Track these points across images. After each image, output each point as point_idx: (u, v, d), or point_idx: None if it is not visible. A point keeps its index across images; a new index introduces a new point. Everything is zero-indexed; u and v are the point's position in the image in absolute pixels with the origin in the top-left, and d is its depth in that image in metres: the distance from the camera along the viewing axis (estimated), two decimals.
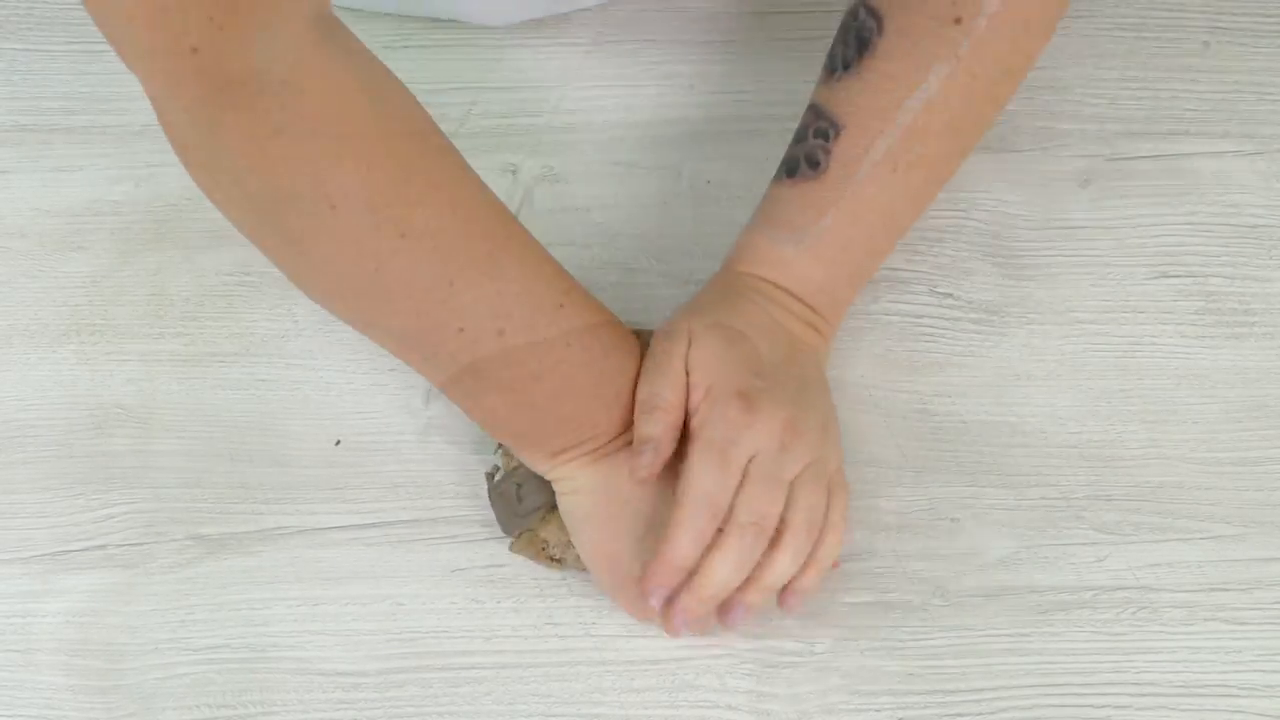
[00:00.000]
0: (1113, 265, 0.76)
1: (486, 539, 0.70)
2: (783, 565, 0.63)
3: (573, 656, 0.68)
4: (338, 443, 0.72)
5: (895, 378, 0.73)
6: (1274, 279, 0.76)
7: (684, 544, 0.62)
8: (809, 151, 0.67)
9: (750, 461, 0.63)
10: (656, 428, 0.64)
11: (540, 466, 0.67)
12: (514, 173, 0.79)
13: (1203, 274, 0.76)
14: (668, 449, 0.64)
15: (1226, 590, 0.68)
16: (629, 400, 0.66)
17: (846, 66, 0.67)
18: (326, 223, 0.58)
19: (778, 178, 0.69)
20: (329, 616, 0.68)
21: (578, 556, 0.67)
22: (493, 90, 0.81)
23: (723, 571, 0.62)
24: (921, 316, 0.75)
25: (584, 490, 0.66)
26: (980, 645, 0.67)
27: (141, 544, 0.70)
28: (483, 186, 0.64)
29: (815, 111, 0.68)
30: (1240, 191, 0.78)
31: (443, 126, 0.78)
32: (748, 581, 0.63)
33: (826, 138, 0.67)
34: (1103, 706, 0.66)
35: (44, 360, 0.74)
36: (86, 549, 0.70)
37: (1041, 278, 0.76)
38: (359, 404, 0.73)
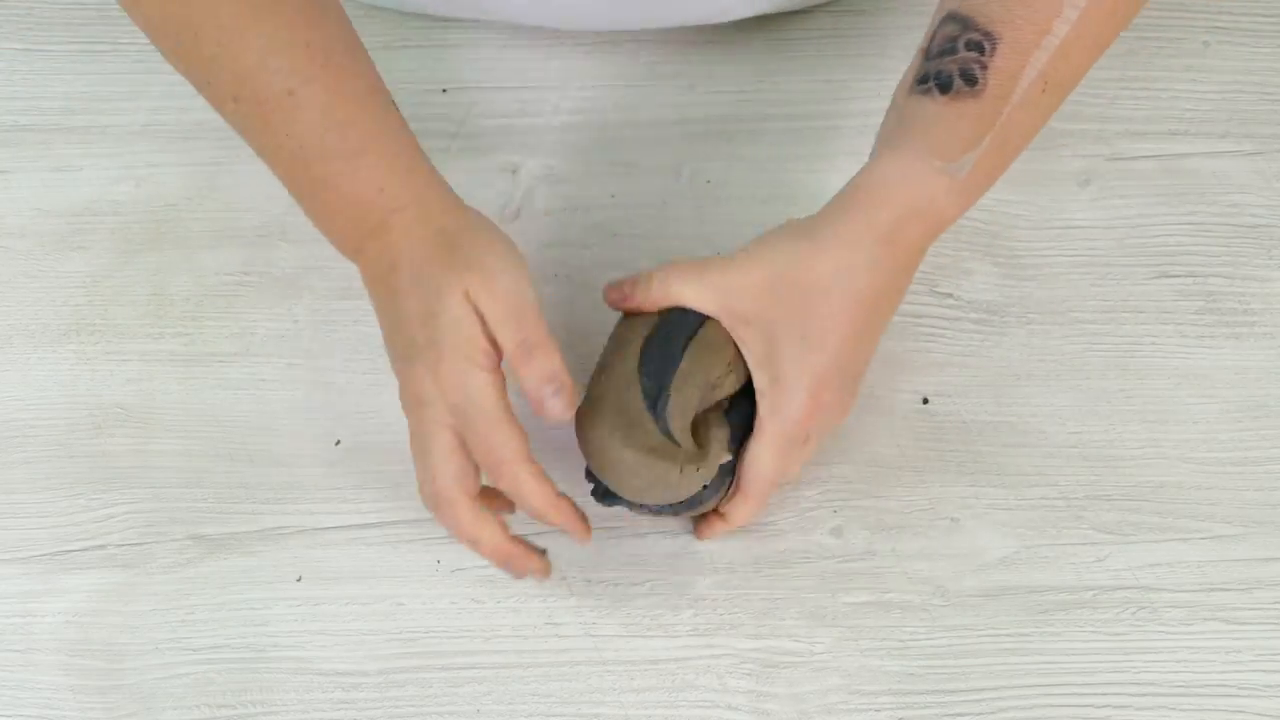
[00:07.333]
0: (1113, 265, 0.76)
1: None
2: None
3: (573, 656, 0.68)
4: (338, 443, 0.71)
5: (895, 378, 0.73)
6: (1274, 279, 0.76)
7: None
8: (964, 66, 0.61)
9: None
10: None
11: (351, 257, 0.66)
12: (514, 173, 0.79)
13: (1203, 274, 0.76)
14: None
15: (1226, 590, 0.68)
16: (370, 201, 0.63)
17: None
18: None
19: (924, 93, 0.62)
20: (329, 616, 0.68)
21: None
22: (493, 90, 0.81)
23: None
24: (921, 316, 0.75)
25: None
26: (980, 645, 0.67)
27: (141, 544, 0.70)
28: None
29: (960, 22, 0.62)
30: (1240, 191, 0.78)
31: (443, 126, 0.79)
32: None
33: (982, 50, 0.60)
34: (1103, 706, 0.66)
35: (44, 360, 0.74)
36: (86, 549, 0.70)
37: (1041, 278, 0.76)
38: (359, 404, 0.73)
